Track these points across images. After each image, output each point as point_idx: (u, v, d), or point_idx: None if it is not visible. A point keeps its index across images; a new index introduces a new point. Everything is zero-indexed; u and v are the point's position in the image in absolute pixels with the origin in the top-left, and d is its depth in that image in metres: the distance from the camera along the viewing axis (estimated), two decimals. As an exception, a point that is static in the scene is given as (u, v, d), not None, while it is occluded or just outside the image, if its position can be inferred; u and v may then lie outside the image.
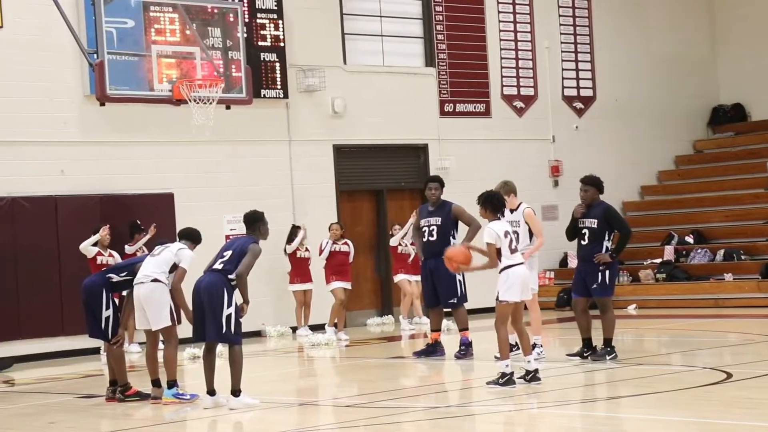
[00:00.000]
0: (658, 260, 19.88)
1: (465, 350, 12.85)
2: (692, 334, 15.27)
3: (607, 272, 11.83)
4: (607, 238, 11.86)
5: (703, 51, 23.29)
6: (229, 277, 9.94)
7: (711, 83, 23.26)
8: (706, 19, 23.44)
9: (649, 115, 22.39)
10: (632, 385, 10.46)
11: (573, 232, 12.07)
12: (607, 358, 11.79)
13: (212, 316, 9.86)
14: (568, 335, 16.21)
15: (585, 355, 11.98)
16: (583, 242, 11.98)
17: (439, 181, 13.19)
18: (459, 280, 12.90)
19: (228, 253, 10.05)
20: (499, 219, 10.42)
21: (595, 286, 11.83)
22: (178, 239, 10.93)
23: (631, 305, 18.99)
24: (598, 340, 11.98)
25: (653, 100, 22.45)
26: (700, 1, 23.42)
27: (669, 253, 19.99)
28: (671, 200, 21.83)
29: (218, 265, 10.02)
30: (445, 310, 13.22)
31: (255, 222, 10.28)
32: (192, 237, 10.86)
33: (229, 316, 9.88)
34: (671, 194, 22.05)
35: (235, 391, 9.95)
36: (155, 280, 10.44)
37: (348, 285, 16.66)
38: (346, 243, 16.84)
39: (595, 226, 11.82)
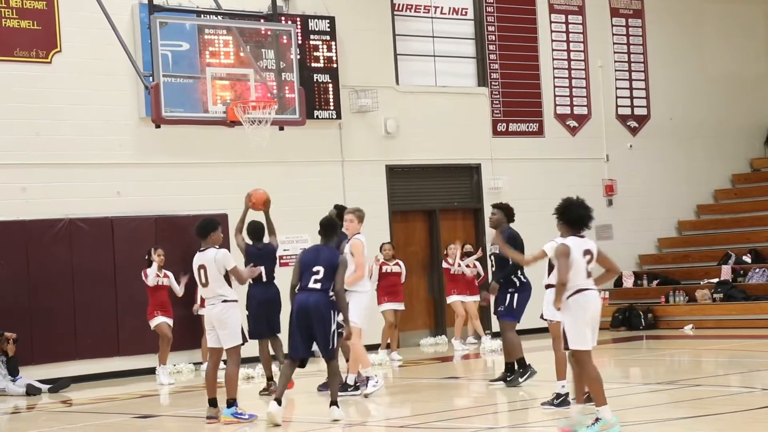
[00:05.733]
0: (715, 280, 19.62)
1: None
2: (750, 355, 15.02)
3: (516, 296, 11.88)
4: (511, 262, 11.74)
5: (759, 68, 23.01)
6: (329, 294, 10.14)
7: (768, 101, 22.99)
8: (762, 36, 23.17)
9: (705, 133, 22.15)
10: (689, 407, 10.32)
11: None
12: (520, 379, 11.92)
13: (323, 335, 10.09)
14: (623, 356, 16.06)
15: (508, 378, 12.10)
16: (492, 268, 12.14)
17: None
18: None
19: (319, 270, 10.14)
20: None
21: (501, 308, 11.95)
22: (199, 237, 10.68)
23: (688, 325, 18.76)
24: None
25: (708, 119, 22.21)
26: (756, 17, 23.16)
27: (726, 272, 19.72)
28: (728, 219, 21.55)
29: (316, 284, 10.14)
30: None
31: (335, 228, 10.43)
32: (202, 232, 10.60)
33: (334, 332, 10.16)
34: (728, 213, 21.77)
35: (335, 402, 10.19)
36: (225, 300, 10.44)
37: (400, 306, 16.61)
38: (397, 263, 16.81)
39: (498, 251, 11.86)
